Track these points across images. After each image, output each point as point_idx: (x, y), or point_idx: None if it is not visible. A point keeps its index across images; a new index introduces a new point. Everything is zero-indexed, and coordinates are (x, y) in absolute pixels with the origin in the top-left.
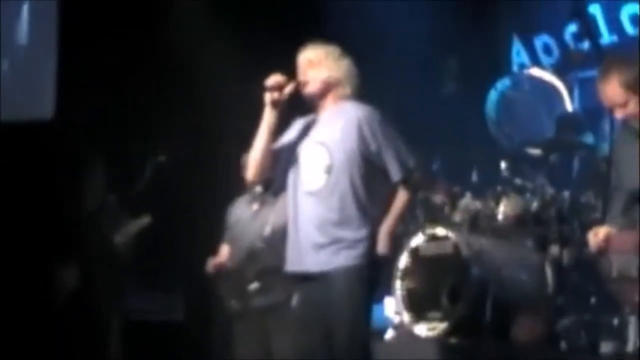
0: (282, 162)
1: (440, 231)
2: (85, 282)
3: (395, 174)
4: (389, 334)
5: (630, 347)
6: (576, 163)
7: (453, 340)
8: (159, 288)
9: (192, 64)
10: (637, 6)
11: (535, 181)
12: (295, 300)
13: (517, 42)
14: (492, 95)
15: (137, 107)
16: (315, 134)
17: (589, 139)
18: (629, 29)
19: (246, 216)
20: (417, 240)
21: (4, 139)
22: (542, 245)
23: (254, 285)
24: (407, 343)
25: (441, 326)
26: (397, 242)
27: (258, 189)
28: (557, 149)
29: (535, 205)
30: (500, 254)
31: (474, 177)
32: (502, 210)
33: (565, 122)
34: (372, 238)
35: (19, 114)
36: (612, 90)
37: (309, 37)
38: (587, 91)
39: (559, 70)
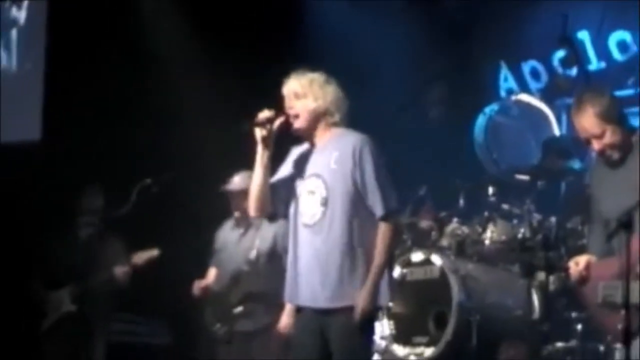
0: (281, 195)
1: (427, 256)
2: (76, 306)
3: (378, 210)
4: (375, 359)
5: None
6: (563, 189)
7: None
8: (144, 311)
9: (179, 87)
10: (625, 33)
11: (522, 207)
12: (294, 329)
13: (504, 68)
14: (480, 121)
15: (124, 130)
16: (311, 165)
17: (576, 164)
18: (617, 55)
19: (232, 239)
20: (404, 264)
21: None
22: (529, 271)
23: (238, 309)
24: None
25: (427, 351)
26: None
27: (238, 213)
28: (545, 174)
29: (522, 231)
30: (486, 280)
31: (461, 202)
32: (489, 235)
33: (552, 147)
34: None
35: (7, 136)
36: (588, 121)
37: (297, 65)
38: None
39: (547, 95)
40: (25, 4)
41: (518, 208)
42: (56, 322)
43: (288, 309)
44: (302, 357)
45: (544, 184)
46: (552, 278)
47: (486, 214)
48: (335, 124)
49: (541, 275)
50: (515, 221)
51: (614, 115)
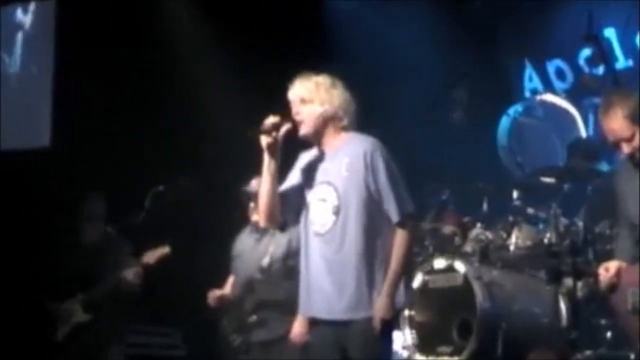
0: (291, 203)
1: (450, 262)
2: (88, 316)
3: (393, 215)
4: None
5: None
6: (590, 192)
7: None
8: (160, 322)
9: (192, 92)
10: None
11: (548, 211)
12: (309, 339)
13: (529, 67)
14: (504, 122)
15: (135, 136)
16: (321, 172)
17: (603, 167)
18: None
19: (248, 246)
20: (426, 271)
21: (4, 166)
22: (556, 277)
23: (252, 319)
24: None
25: None
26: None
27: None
28: (571, 177)
29: (548, 235)
30: (512, 286)
31: (485, 206)
32: (514, 241)
33: (579, 149)
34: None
35: (18, 142)
36: (617, 124)
37: (314, 68)
38: None
39: (573, 95)
40: (31, 7)
41: (544, 212)
42: (70, 333)
43: (300, 318)
44: None
45: (570, 187)
46: (580, 284)
47: (511, 218)
48: (344, 128)
49: (569, 282)
50: (541, 226)
51: None
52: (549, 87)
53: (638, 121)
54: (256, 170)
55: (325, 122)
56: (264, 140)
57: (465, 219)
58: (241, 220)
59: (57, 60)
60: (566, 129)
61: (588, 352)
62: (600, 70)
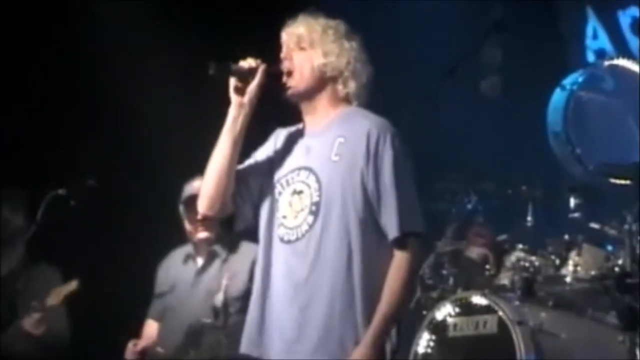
0: (249, 191)
1: (479, 300)
2: None
3: (391, 229)
4: None
5: None
6: None
7: None
8: None
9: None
10: None
11: (621, 227)
12: None
13: (593, 19)
14: (558, 98)
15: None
16: (301, 152)
17: None
18: None
19: (185, 277)
20: (445, 313)
21: None
22: (631, 323)
23: None
24: None
25: None
26: (414, 314)
27: (203, 235)
28: None
29: (620, 262)
30: (569, 335)
31: (529, 219)
32: (572, 269)
33: None
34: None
35: None
36: None
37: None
38: None
39: None
40: None
41: (614, 228)
42: None
43: None
44: None
45: None
46: None
47: (567, 237)
48: (346, 98)
49: None
50: (610, 247)
51: None
52: (621, 47)
53: None
54: (200, 169)
55: (324, 82)
56: (234, 83)
57: (501, 238)
58: (173, 238)
59: None
60: None
61: None
62: None
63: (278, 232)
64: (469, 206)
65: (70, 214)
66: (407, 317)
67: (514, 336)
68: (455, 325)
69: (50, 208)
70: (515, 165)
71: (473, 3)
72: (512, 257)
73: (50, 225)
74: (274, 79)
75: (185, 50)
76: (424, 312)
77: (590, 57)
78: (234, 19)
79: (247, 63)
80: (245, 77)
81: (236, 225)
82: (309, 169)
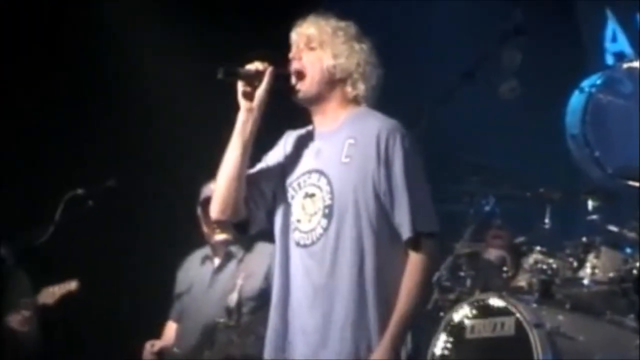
0: (262, 195)
1: (497, 302)
2: None
3: (405, 230)
4: None
5: None
6: None
7: None
8: None
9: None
10: None
11: None
12: None
13: (612, 21)
14: (576, 100)
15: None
16: (312, 155)
17: None
18: None
19: (202, 278)
20: (462, 315)
21: None
22: None
23: None
24: None
25: None
26: (431, 316)
27: (220, 237)
28: None
29: (638, 265)
30: (587, 337)
31: (547, 222)
32: (590, 272)
33: None
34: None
35: None
36: None
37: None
38: None
39: None
40: None
41: (633, 231)
42: None
43: None
44: None
45: None
46: None
47: (584, 239)
48: (356, 99)
49: None
50: (628, 250)
51: None
52: None
53: None
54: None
55: (334, 83)
56: (242, 87)
57: (519, 240)
58: (192, 240)
59: None
60: None
61: None
62: None
63: (294, 236)
64: (487, 208)
65: (88, 213)
66: (424, 319)
67: (531, 338)
68: (472, 327)
69: (68, 208)
70: (533, 168)
71: (493, 5)
72: (530, 260)
73: (68, 225)
74: (283, 80)
75: (203, 49)
76: (442, 314)
77: (609, 60)
78: (249, 17)
79: (255, 66)
80: (253, 80)
81: (250, 229)
82: (320, 172)
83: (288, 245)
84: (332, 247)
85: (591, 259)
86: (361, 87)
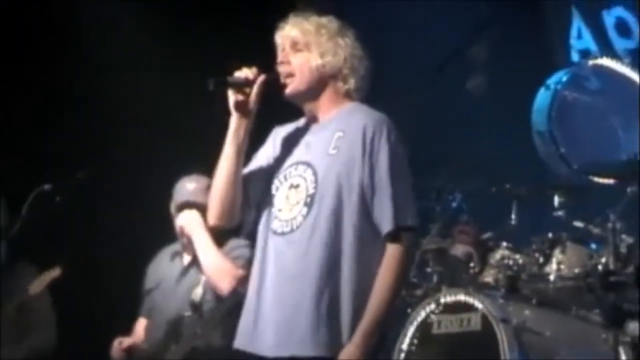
0: (255, 196)
1: (463, 298)
2: None
3: (385, 223)
4: None
5: None
6: None
7: None
8: None
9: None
10: None
11: (604, 225)
12: None
13: (578, 19)
14: (542, 97)
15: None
16: (301, 148)
17: None
18: None
19: (171, 275)
20: (429, 310)
21: None
22: (615, 320)
23: None
24: None
25: None
26: (399, 312)
27: None
28: (639, 176)
29: (603, 260)
30: (552, 333)
31: (513, 217)
32: (555, 267)
33: None
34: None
35: None
36: None
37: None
38: None
39: None
40: None
41: (598, 226)
42: None
43: None
44: None
45: (636, 191)
46: None
47: (551, 235)
48: (347, 94)
49: (634, 326)
50: (594, 246)
51: None
52: (606, 47)
53: None
54: (193, 168)
55: (323, 81)
56: (233, 97)
57: (485, 236)
58: (164, 237)
59: None
60: (630, 106)
61: None
62: None
63: (272, 225)
64: (454, 204)
65: (56, 209)
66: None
67: (497, 334)
68: (439, 322)
69: (36, 204)
70: (499, 164)
71: (459, 2)
72: (497, 255)
73: (35, 221)
74: (273, 84)
75: (176, 44)
76: (409, 310)
77: (575, 57)
78: (231, 19)
79: (244, 73)
80: (244, 87)
81: (243, 229)
82: (307, 163)
83: (267, 235)
84: (309, 235)
85: (557, 255)
86: (352, 81)
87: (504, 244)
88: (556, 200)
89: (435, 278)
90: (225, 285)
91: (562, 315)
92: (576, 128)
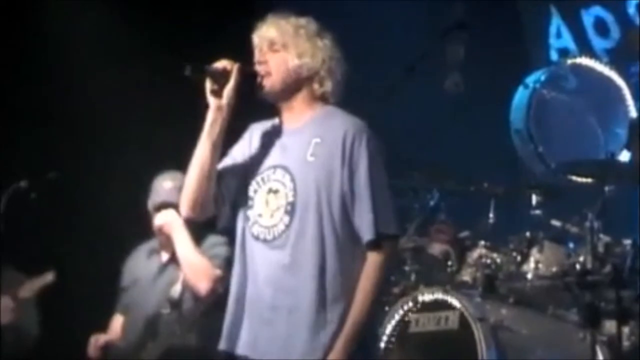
0: (229, 191)
1: (441, 296)
2: None
3: (366, 231)
4: None
5: None
6: None
7: None
8: None
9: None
10: None
11: (582, 224)
12: None
13: (556, 17)
14: (520, 96)
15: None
16: (277, 151)
17: None
18: None
19: (148, 272)
20: (407, 309)
21: None
22: (592, 319)
23: None
24: None
25: None
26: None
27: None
28: (617, 176)
29: (581, 259)
30: (529, 331)
31: (491, 216)
32: (533, 266)
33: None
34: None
35: None
36: None
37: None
38: None
39: (618, 59)
40: None
41: (576, 225)
42: None
43: None
44: None
45: (614, 190)
46: (626, 329)
47: (528, 234)
48: (323, 97)
49: (611, 325)
50: (571, 245)
51: None
52: (584, 46)
53: None
54: (166, 165)
55: (299, 82)
56: (210, 85)
57: (463, 234)
58: (140, 234)
59: None
60: (608, 105)
61: None
62: None
63: (252, 230)
64: (431, 203)
65: (31, 206)
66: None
67: (475, 332)
68: (416, 321)
69: (11, 201)
70: (477, 163)
71: (435, 0)
72: (474, 254)
73: (11, 218)
74: (250, 79)
75: (149, 38)
76: (386, 309)
77: (554, 56)
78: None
79: (222, 64)
80: (220, 78)
81: (218, 224)
82: (285, 168)
83: (246, 239)
84: (293, 245)
85: (534, 254)
86: (328, 84)
87: (482, 242)
88: (534, 199)
89: (412, 276)
90: (203, 286)
91: (539, 314)
92: (554, 127)
